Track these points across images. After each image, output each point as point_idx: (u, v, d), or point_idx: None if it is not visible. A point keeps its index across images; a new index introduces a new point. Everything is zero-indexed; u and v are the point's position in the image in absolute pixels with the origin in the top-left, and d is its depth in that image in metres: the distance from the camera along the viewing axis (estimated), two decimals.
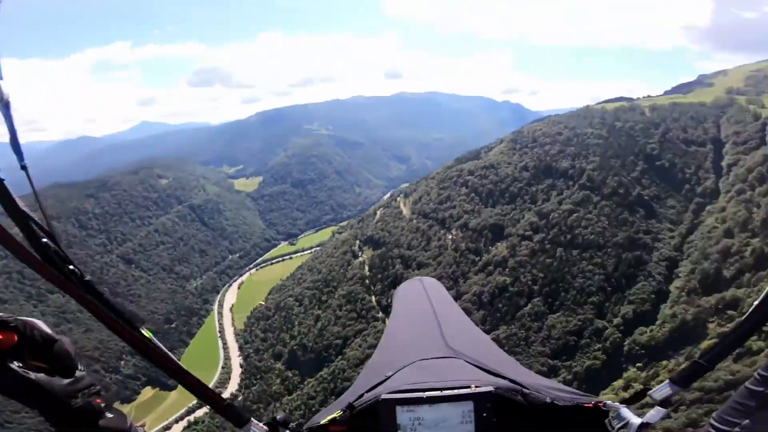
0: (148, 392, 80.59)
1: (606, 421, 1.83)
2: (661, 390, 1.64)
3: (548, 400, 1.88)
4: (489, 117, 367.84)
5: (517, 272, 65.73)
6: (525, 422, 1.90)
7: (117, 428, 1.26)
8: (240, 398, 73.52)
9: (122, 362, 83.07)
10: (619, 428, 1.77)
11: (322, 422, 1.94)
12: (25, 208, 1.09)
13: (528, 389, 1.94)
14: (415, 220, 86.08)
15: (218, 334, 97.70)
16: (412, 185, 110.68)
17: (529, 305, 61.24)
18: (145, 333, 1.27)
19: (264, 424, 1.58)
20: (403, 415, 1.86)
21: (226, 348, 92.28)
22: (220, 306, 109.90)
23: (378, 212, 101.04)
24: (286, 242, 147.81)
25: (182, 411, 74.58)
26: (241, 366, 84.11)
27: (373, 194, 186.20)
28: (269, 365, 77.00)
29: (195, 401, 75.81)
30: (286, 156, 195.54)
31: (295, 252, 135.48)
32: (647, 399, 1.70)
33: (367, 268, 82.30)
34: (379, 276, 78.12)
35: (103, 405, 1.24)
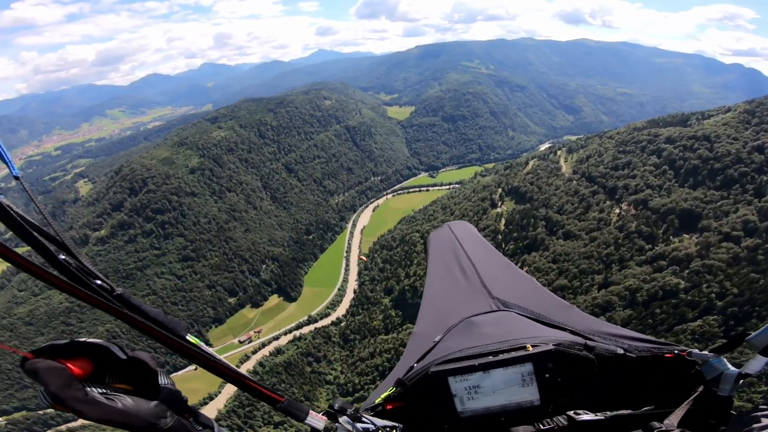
0: (273, 299, 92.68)
1: (692, 372, 1.65)
2: (762, 334, 1.40)
3: (620, 351, 1.74)
4: (706, 79, 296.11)
5: (700, 278, 50.99)
6: (594, 376, 1.76)
7: None
8: (342, 324, 78.34)
9: (263, 266, 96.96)
10: (711, 381, 1.57)
11: (377, 401, 1.91)
12: (29, 226, 1.01)
13: (594, 340, 1.81)
14: (575, 182, 73.79)
15: (344, 254, 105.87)
16: (580, 140, 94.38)
17: (699, 321, 47.39)
18: (192, 340, 1.22)
19: (322, 414, 1.56)
20: (456, 385, 1.78)
21: (347, 269, 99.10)
22: (354, 226, 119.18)
23: (531, 162, 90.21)
24: (427, 173, 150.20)
25: (292, 325, 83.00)
26: (354, 292, 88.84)
27: (528, 141, 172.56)
28: (378, 298, 78.79)
29: (305, 317, 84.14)
30: (441, 90, 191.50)
31: (434, 185, 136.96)
32: (745, 345, 1.47)
33: (503, 222, 76.23)
34: (515, 235, 71.56)
35: (191, 420, 1.20)
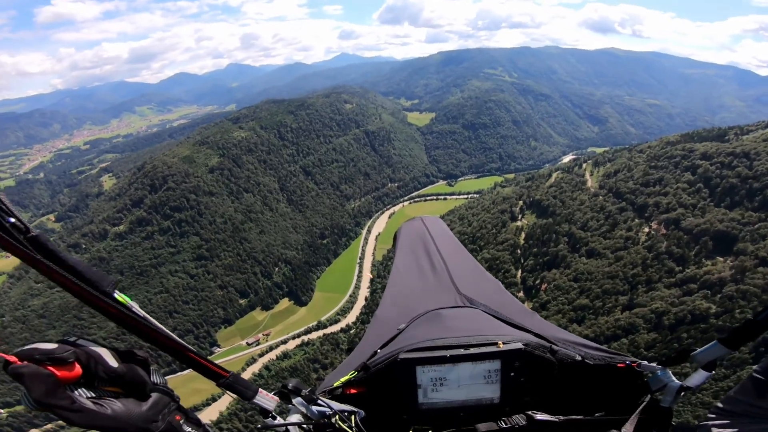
0: (284, 303, 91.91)
1: (640, 382, 1.73)
2: (707, 351, 1.49)
3: (578, 357, 1.79)
4: (739, 92, 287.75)
5: (733, 304, 47.44)
6: (552, 380, 1.81)
7: None
8: (352, 331, 75.74)
9: (276, 269, 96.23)
10: (656, 391, 1.65)
11: (336, 384, 1.89)
12: None
13: (557, 345, 1.85)
14: (601, 197, 70.54)
15: (358, 261, 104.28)
16: (607, 153, 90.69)
17: None
18: (120, 298, 1.05)
19: (274, 394, 1.51)
20: (423, 375, 1.76)
21: (360, 276, 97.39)
22: (369, 232, 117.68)
23: (554, 175, 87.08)
24: (445, 182, 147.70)
25: (301, 329, 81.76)
26: (366, 299, 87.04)
27: (551, 152, 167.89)
28: None
29: (314, 323, 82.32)
30: (462, 97, 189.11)
31: (451, 194, 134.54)
32: (690, 360, 1.56)
33: (523, 236, 73.46)
34: (535, 250, 68.75)
35: (182, 421, 1.15)
